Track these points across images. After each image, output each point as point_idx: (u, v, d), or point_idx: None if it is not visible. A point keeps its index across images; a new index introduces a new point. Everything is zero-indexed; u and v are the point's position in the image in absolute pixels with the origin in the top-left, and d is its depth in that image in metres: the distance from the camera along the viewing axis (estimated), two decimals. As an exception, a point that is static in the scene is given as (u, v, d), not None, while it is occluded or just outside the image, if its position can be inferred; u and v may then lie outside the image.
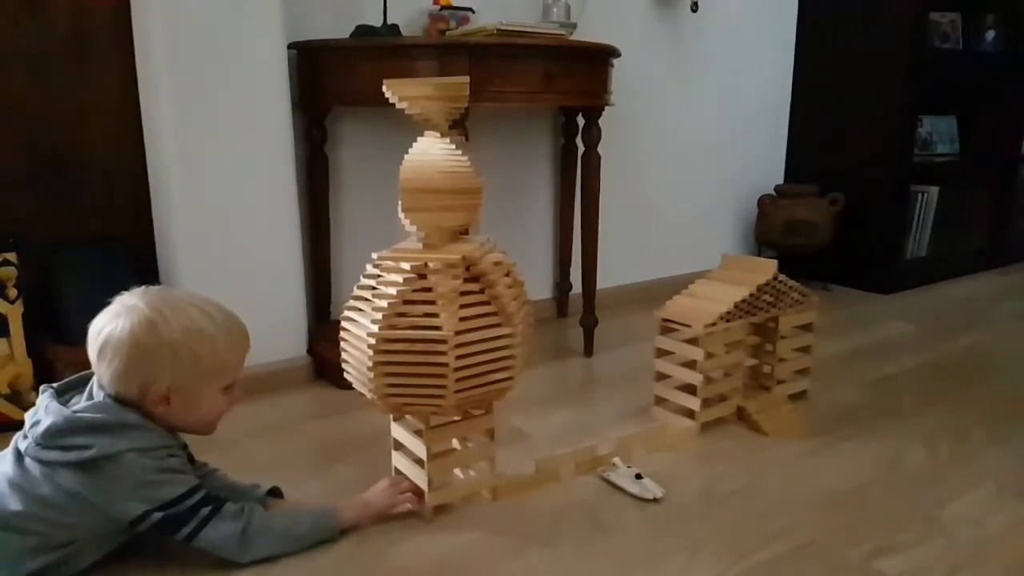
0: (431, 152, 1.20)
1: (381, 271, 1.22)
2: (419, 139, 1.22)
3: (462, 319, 1.18)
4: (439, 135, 1.21)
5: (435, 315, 1.16)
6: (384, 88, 1.20)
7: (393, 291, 1.17)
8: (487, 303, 1.21)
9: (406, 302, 1.17)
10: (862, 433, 1.63)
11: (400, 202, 1.22)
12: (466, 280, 1.19)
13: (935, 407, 1.78)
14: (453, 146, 1.20)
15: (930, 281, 3.00)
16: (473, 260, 1.20)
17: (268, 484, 1.27)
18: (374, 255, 1.24)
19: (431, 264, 1.17)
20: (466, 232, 1.29)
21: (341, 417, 1.70)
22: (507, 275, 1.24)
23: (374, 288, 1.21)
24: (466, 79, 1.22)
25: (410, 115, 1.21)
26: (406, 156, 1.22)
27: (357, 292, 1.24)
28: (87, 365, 1.10)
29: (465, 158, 1.20)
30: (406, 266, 1.18)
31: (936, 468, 1.48)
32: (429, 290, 1.17)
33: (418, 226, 1.22)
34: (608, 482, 1.40)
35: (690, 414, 1.63)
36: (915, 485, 1.42)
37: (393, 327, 1.16)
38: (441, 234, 1.23)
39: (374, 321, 1.17)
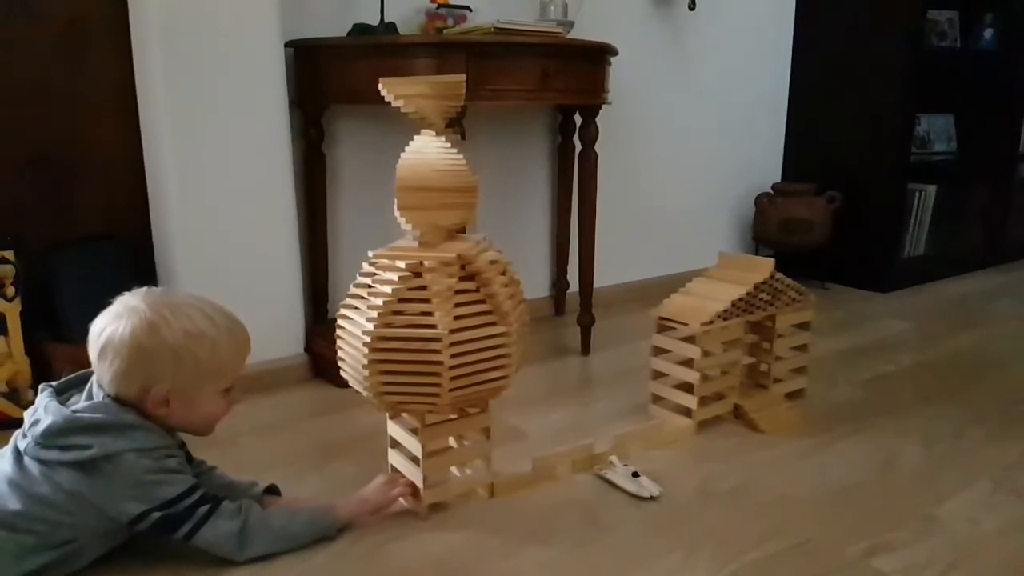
0: (427, 150, 1.20)
1: (377, 269, 1.22)
2: (415, 137, 1.22)
3: (457, 317, 1.18)
4: (435, 133, 1.21)
5: (430, 313, 1.17)
6: (380, 86, 1.20)
7: (388, 289, 1.17)
8: (482, 301, 1.21)
9: (401, 300, 1.17)
10: (859, 431, 1.63)
11: (396, 200, 1.22)
12: (461, 279, 1.19)
13: (932, 405, 1.78)
14: (449, 144, 1.20)
15: (927, 279, 3.00)
16: (468, 259, 1.20)
17: (265, 482, 1.28)
18: (370, 253, 1.24)
19: (426, 262, 1.18)
20: (463, 230, 1.29)
21: (338, 415, 1.70)
22: (503, 273, 1.24)
23: (370, 287, 1.21)
24: (462, 77, 1.22)
25: (406, 113, 1.21)
26: (402, 154, 1.22)
27: (353, 291, 1.24)
28: (85, 363, 1.10)
29: (460, 156, 1.20)
30: (401, 264, 1.18)
31: (932, 466, 1.49)
32: (424, 288, 1.17)
33: (413, 224, 1.23)
34: (605, 480, 1.41)
35: (687, 412, 1.63)
36: (911, 483, 1.42)
37: (388, 325, 1.16)
38: (437, 232, 1.23)
39: (369, 319, 1.17)
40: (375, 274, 1.21)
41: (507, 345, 1.22)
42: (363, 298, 1.21)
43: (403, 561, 1.17)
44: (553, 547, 1.21)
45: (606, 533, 1.25)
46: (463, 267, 1.20)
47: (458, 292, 1.19)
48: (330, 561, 1.16)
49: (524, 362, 1.31)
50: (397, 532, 1.24)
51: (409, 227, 1.23)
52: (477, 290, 1.21)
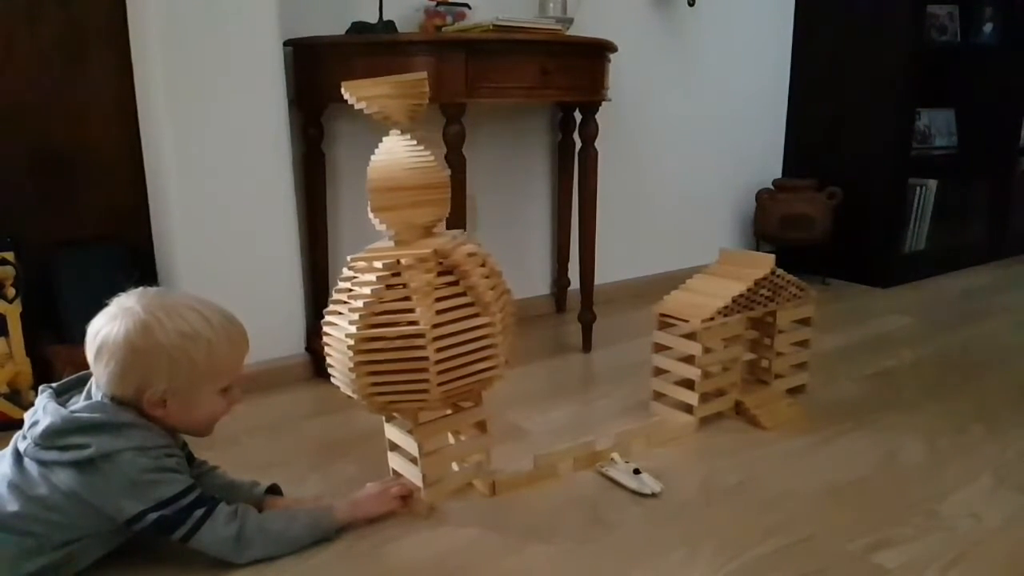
0: (396, 151, 1.21)
1: (355, 272, 1.22)
2: (384, 139, 1.23)
3: (439, 312, 1.18)
4: (400, 133, 1.21)
5: (411, 310, 1.17)
6: (343, 90, 1.20)
7: (368, 290, 1.17)
8: (463, 294, 1.21)
9: (382, 300, 1.17)
10: (861, 427, 1.63)
11: (369, 203, 1.22)
12: (440, 273, 1.20)
13: (934, 401, 1.78)
14: (415, 142, 1.21)
15: (929, 274, 3.00)
16: (445, 253, 1.20)
17: (267, 482, 1.28)
18: (348, 257, 1.24)
19: (403, 260, 1.18)
20: (463, 227, 1.29)
21: (339, 414, 1.70)
22: (482, 265, 1.25)
23: (350, 290, 1.21)
24: (424, 75, 1.22)
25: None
26: (372, 157, 1.22)
27: (335, 295, 1.25)
28: (86, 364, 1.10)
29: (429, 153, 1.21)
30: (379, 264, 1.18)
31: (935, 461, 1.48)
32: (404, 286, 1.17)
33: (388, 224, 1.23)
34: (606, 477, 1.41)
35: (688, 409, 1.63)
36: (914, 479, 1.42)
37: (371, 326, 1.17)
38: (412, 231, 1.23)
39: (352, 322, 1.17)
40: (354, 277, 1.22)
41: (492, 336, 1.23)
42: (345, 302, 1.21)
43: (404, 560, 1.17)
44: (555, 545, 1.21)
45: (608, 531, 1.25)
46: (441, 262, 1.20)
47: (438, 287, 1.19)
48: (331, 560, 1.16)
49: (517, 355, 1.31)
50: (398, 531, 1.23)
51: (384, 227, 1.23)
52: (457, 283, 1.21)
